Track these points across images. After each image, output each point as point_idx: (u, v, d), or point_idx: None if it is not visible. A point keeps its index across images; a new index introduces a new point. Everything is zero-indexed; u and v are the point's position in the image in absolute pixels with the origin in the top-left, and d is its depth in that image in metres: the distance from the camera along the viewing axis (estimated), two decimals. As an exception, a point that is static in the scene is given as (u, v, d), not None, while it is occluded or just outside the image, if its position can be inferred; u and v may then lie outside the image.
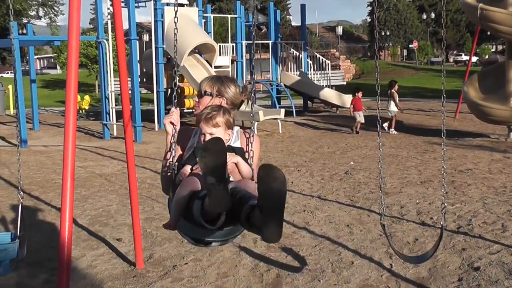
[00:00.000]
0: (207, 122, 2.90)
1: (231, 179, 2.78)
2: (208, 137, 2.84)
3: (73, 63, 3.37)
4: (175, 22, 3.26)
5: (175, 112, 3.06)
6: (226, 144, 2.83)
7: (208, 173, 2.41)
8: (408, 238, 5.84)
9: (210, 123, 2.89)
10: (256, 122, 3.46)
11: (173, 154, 3.01)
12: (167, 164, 3.03)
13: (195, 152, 2.94)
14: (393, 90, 15.02)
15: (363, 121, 15.21)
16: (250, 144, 3.00)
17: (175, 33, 3.32)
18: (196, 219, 2.67)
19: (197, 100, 3.17)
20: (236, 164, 2.84)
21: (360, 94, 15.61)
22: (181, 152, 3.10)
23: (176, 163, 3.00)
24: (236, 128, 3.11)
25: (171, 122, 3.04)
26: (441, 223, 3.82)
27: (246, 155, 3.01)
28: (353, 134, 14.84)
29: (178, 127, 3.06)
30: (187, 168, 2.90)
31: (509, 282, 4.58)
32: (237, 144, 3.05)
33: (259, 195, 2.33)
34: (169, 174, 3.01)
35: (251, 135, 3.04)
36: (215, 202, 2.41)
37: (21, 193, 4.26)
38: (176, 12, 3.24)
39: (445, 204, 3.87)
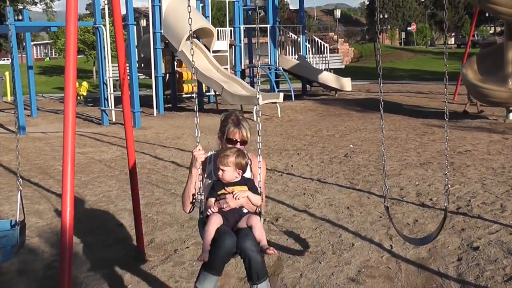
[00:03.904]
0: (221, 161, 3.46)
1: (244, 209, 3.45)
2: (220, 172, 3.46)
3: (72, 48, 3.35)
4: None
5: (202, 151, 3.49)
6: (236, 179, 3.48)
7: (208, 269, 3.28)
8: (408, 220, 5.87)
9: (222, 162, 3.45)
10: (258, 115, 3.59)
11: (199, 186, 3.52)
12: (193, 193, 3.56)
13: (214, 186, 3.51)
14: None
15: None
16: (258, 169, 3.51)
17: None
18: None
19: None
20: (247, 196, 3.46)
21: None
22: (200, 174, 3.55)
23: (202, 194, 3.51)
24: (248, 155, 3.58)
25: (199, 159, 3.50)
26: (445, 204, 3.75)
27: (255, 179, 3.56)
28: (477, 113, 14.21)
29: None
30: (212, 201, 3.49)
31: (507, 260, 4.61)
32: (248, 170, 3.58)
33: (244, 264, 3.26)
34: (191, 202, 3.59)
35: (258, 161, 3.52)
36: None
37: (20, 180, 4.25)
38: None
39: (449, 186, 3.86)
